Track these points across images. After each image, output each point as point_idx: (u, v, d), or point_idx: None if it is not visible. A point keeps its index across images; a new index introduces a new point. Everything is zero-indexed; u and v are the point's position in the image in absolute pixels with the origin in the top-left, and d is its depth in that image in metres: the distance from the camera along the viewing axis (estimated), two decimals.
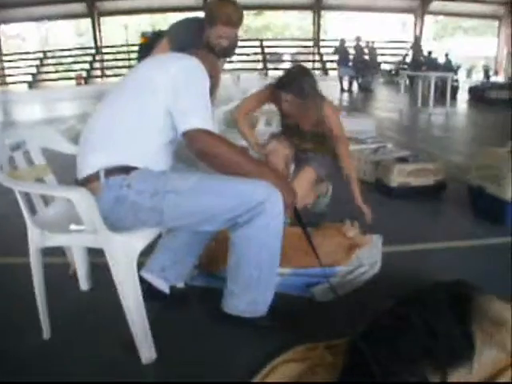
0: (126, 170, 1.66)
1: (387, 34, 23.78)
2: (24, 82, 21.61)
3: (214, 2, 2.55)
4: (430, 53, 16.34)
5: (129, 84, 1.79)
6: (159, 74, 1.70)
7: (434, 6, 23.02)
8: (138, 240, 1.67)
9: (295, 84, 2.53)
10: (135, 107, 1.70)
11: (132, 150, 1.69)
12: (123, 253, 1.64)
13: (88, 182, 1.68)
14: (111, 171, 1.66)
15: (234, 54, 2.88)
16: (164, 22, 27.73)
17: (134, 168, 1.67)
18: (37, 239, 1.75)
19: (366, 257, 2.42)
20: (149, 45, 2.71)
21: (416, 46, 16.55)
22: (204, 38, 2.57)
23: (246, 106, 2.87)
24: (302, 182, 2.74)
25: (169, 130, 1.70)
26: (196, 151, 1.64)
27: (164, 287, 2.02)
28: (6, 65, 23.47)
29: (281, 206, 1.68)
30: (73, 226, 1.74)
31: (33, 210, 1.83)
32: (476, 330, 1.38)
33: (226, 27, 2.48)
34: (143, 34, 2.95)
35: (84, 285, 2.23)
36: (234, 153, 1.67)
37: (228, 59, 2.99)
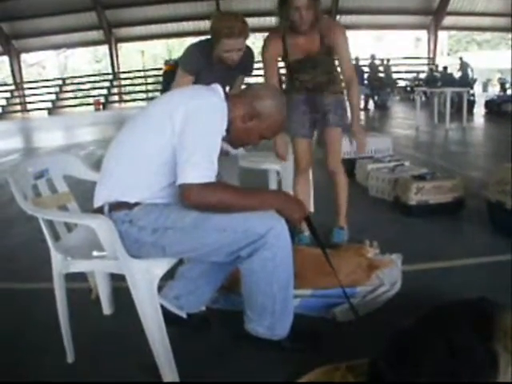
0: (129, 205, 1.68)
1: (402, 50, 23.83)
2: (44, 108, 22.05)
3: (215, 18, 2.58)
4: (445, 68, 16.31)
5: (142, 118, 1.77)
6: (172, 111, 1.65)
7: (446, 21, 23.04)
8: (158, 266, 1.69)
9: None
10: (144, 143, 1.69)
11: (137, 185, 1.70)
12: (144, 279, 1.66)
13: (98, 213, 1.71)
14: (115, 206, 1.69)
15: (252, 70, 2.92)
16: (180, 46, 28.19)
17: (137, 203, 1.68)
18: (60, 265, 1.79)
19: (386, 276, 2.41)
20: (172, 72, 2.77)
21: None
22: (215, 56, 2.62)
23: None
24: (337, 147, 2.91)
25: (175, 165, 1.63)
26: (189, 206, 1.61)
27: (180, 313, 2.01)
28: (27, 92, 24.01)
29: (286, 237, 1.67)
30: (95, 253, 1.78)
31: (56, 237, 1.87)
32: (500, 349, 1.36)
33: (230, 39, 2.49)
34: (167, 62, 3.00)
35: (107, 309, 2.26)
36: (230, 195, 1.64)
37: (247, 76, 3.02)
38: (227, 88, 2.90)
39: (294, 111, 2.84)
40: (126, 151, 1.73)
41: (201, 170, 1.57)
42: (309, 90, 2.87)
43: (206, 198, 1.58)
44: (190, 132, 1.60)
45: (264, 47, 2.80)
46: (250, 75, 2.96)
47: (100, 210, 1.72)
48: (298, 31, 2.66)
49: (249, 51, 2.72)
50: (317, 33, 2.70)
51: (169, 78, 2.79)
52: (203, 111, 1.65)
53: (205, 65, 2.64)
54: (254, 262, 1.66)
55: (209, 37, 2.62)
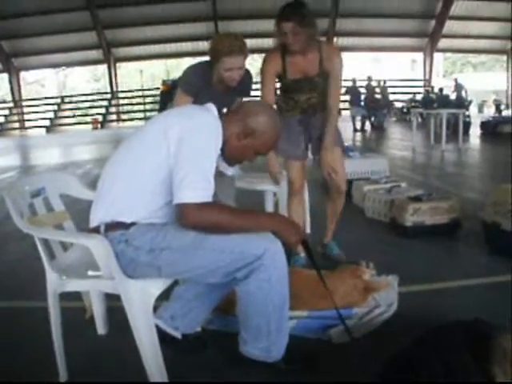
0: (126, 225, 1.68)
1: (398, 72, 24.08)
2: (42, 126, 22.13)
3: (214, 39, 2.63)
4: (441, 90, 16.47)
5: (137, 139, 1.78)
6: (167, 130, 1.65)
7: (442, 43, 23.37)
8: (154, 286, 1.69)
9: (297, 13, 2.59)
10: (139, 164, 1.70)
11: (133, 205, 1.70)
12: (139, 299, 1.66)
13: (94, 232, 1.71)
14: (111, 226, 1.69)
15: (250, 92, 2.94)
16: (177, 66, 28.42)
17: (134, 223, 1.69)
18: (55, 284, 1.78)
19: (383, 298, 2.40)
20: (169, 92, 2.80)
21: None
22: (214, 77, 2.64)
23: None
24: (342, 166, 2.95)
25: (170, 185, 1.64)
26: (186, 225, 1.61)
27: (175, 333, 2.00)
28: (26, 110, 24.12)
29: (282, 259, 1.67)
30: (90, 272, 1.77)
31: (51, 255, 1.86)
32: (497, 371, 1.35)
33: (231, 58, 2.51)
34: (164, 82, 3.05)
35: (101, 329, 2.24)
36: (226, 216, 1.64)
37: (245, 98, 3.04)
38: (225, 110, 2.93)
39: (288, 132, 2.82)
40: (122, 171, 1.74)
41: (198, 189, 1.57)
42: (303, 110, 2.89)
43: (203, 218, 1.59)
44: (186, 152, 1.61)
45: (263, 63, 2.82)
46: (247, 96, 2.98)
47: (96, 230, 1.72)
48: (291, 52, 2.70)
49: (247, 73, 2.74)
50: (316, 55, 2.74)
51: (165, 97, 2.83)
52: (198, 131, 1.65)
53: (203, 86, 2.67)
54: (250, 284, 1.66)
55: (207, 59, 2.65)
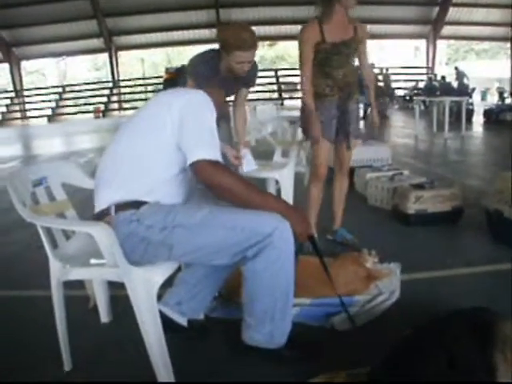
0: (136, 204, 1.70)
1: (401, 59, 23.94)
2: (44, 115, 22.07)
3: (225, 30, 2.61)
4: (443, 77, 16.37)
5: (138, 120, 1.84)
6: (166, 109, 1.74)
7: (445, 30, 23.17)
8: (158, 274, 1.69)
9: None
10: (144, 143, 1.75)
11: (141, 184, 1.73)
12: (143, 286, 1.66)
13: (101, 217, 1.72)
14: (121, 206, 1.70)
15: (255, 83, 2.94)
16: (179, 54, 28.29)
17: (144, 203, 1.71)
18: (58, 272, 1.78)
19: (385, 285, 2.40)
20: (173, 80, 2.80)
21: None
22: (222, 67, 2.64)
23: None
24: (351, 155, 3.08)
25: (177, 163, 1.74)
26: (202, 181, 1.67)
27: (181, 320, 2.02)
28: (27, 99, 24.06)
29: (291, 238, 1.67)
30: (93, 260, 1.78)
31: (54, 244, 1.86)
32: (499, 358, 1.35)
33: (243, 52, 2.54)
34: (167, 70, 3.06)
35: (104, 317, 2.25)
36: (239, 184, 1.68)
37: (250, 88, 3.07)
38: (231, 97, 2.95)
39: (323, 114, 2.87)
40: (130, 152, 1.77)
41: (212, 149, 1.67)
42: (340, 89, 2.89)
43: (218, 178, 1.65)
44: (190, 124, 1.71)
45: (302, 33, 2.80)
46: (252, 87, 3.01)
47: (103, 213, 1.72)
48: (329, 20, 2.75)
49: (254, 64, 2.76)
50: (351, 23, 2.83)
51: (169, 85, 2.82)
52: (195, 105, 1.76)
53: (212, 74, 2.68)
54: (258, 263, 1.66)
55: (213, 47, 2.65)
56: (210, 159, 1.64)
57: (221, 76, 2.69)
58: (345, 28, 2.81)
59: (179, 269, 1.97)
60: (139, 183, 1.74)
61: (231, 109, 3.20)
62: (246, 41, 2.52)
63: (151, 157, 1.74)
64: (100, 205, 1.75)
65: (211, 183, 1.66)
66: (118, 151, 1.81)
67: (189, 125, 1.70)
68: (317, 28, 2.77)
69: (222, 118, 3.01)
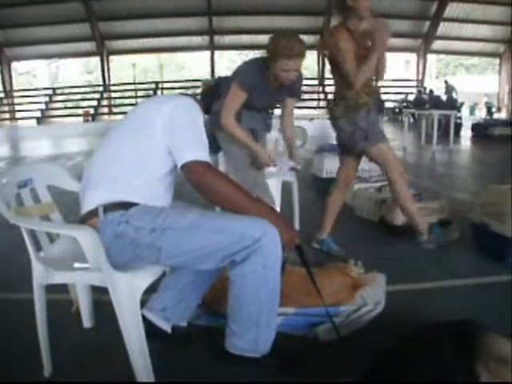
0: (125, 206, 1.69)
1: (391, 72, 24.13)
2: (33, 117, 21.94)
3: (274, 38, 2.61)
4: (431, 91, 16.54)
5: (127, 123, 1.85)
6: (155, 113, 1.75)
7: (436, 44, 23.46)
8: (142, 279, 1.68)
9: None
10: (133, 145, 1.75)
11: (130, 186, 1.73)
12: (127, 291, 1.64)
13: (88, 218, 1.71)
14: (110, 207, 1.69)
15: (300, 94, 2.99)
16: (170, 61, 28.28)
17: (133, 204, 1.70)
18: (41, 276, 1.76)
19: (370, 296, 2.40)
20: (211, 92, 2.76)
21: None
22: (269, 75, 2.66)
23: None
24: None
25: (167, 166, 1.75)
26: (192, 183, 1.66)
27: (166, 327, 2.00)
28: (17, 101, 23.91)
29: (278, 244, 1.67)
30: (77, 264, 1.76)
31: (38, 247, 1.84)
32: (482, 369, 1.35)
33: (289, 60, 2.54)
34: (206, 82, 3.03)
35: (87, 322, 2.23)
36: (230, 186, 1.69)
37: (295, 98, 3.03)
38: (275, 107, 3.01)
39: (373, 119, 2.96)
40: (118, 153, 1.77)
41: (203, 151, 1.69)
42: (374, 96, 2.96)
43: (210, 179, 1.66)
44: (179, 127, 1.73)
45: (340, 42, 2.77)
46: (298, 99, 3.02)
47: (90, 214, 1.71)
48: (355, 27, 2.77)
49: (299, 75, 2.76)
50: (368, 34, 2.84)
51: (208, 98, 2.76)
52: (184, 109, 1.78)
53: (260, 83, 2.71)
54: (246, 267, 1.66)
55: (263, 55, 2.68)
56: (200, 160, 1.65)
57: (266, 85, 2.70)
58: (363, 36, 2.84)
59: (164, 274, 1.96)
60: (128, 184, 1.73)
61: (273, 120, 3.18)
62: (292, 50, 2.52)
63: (140, 158, 1.74)
64: (87, 205, 1.73)
65: (201, 184, 1.66)
66: (107, 152, 1.80)
67: (179, 127, 1.72)
68: (349, 36, 2.78)
69: (262, 127, 3.01)
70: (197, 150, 1.68)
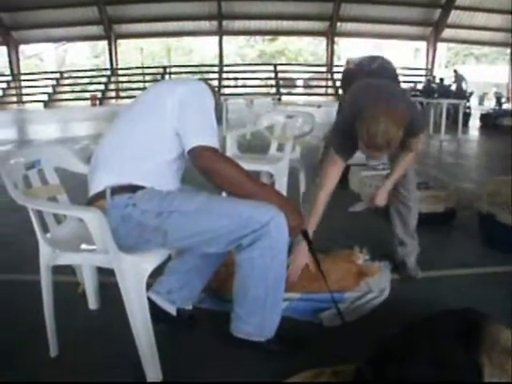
0: (133, 189, 1.69)
1: (400, 60, 23.93)
2: (40, 101, 21.90)
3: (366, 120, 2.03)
4: (441, 80, 16.38)
5: (138, 106, 1.84)
6: (166, 96, 1.74)
7: (446, 33, 23.16)
8: (148, 261, 1.68)
9: None
10: (143, 128, 1.75)
11: (138, 169, 1.73)
12: (133, 273, 1.65)
13: (95, 200, 1.71)
14: (117, 190, 1.69)
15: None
16: (178, 45, 28.11)
17: (141, 187, 1.70)
18: (48, 257, 1.77)
19: (375, 283, 2.40)
20: (353, 72, 2.63)
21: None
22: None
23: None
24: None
25: (175, 150, 1.74)
26: (199, 168, 1.66)
27: (171, 309, 2.02)
28: (24, 84, 23.86)
29: (286, 229, 1.67)
30: (84, 246, 1.77)
31: (45, 228, 1.84)
32: (485, 360, 1.35)
33: (369, 149, 2.10)
34: (349, 61, 2.68)
35: (93, 304, 2.24)
36: (237, 171, 1.68)
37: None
38: None
39: None
40: (127, 136, 1.77)
41: (212, 136, 1.67)
42: None
43: (217, 164, 1.65)
44: (189, 111, 1.71)
45: None
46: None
47: (98, 196, 1.71)
48: None
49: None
50: None
51: (348, 79, 2.63)
52: (196, 93, 1.76)
53: None
54: (253, 251, 1.66)
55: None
56: (208, 145, 1.64)
57: None
58: None
59: (169, 258, 1.97)
60: (136, 167, 1.73)
61: None
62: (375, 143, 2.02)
63: (149, 141, 1.73)
64: (95, 188, 1.74)
65: (209, 169, 1.65)
66: (117, 135, 1.80)
67: (189, 111, 1.70)
68: None
69: None
70: (205, 135, 1.67)
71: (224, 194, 2.04)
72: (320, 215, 2.38)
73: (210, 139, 1.66)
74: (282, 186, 3.23)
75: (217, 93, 1.96)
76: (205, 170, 1.65)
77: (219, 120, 1.87)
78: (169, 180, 1.79)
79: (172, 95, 1.73)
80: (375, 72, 2.58)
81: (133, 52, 27.20)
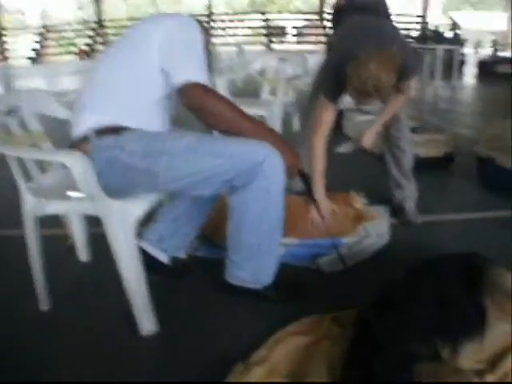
0: (118, 130, 1.58)
1: (394, 6, 23.47)
2: (27, 57, 21.41)
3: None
4: (436, 27, 16.15)
5: (123, 42, 1.71)
6: (152, 30, 1.62)
7: None
8: (137, 206, 1.60)
9: None
10: (128, 65, 1.63)
11: (124, 109, 1.62)
12: (121, 219, 1.56)
13: (79, 144, 1.61)
14: (102, 132, 1.58)
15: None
16: None
17: (127, 128, 1.59)
18: (32, 207, 1.68)
19: (373, 228, 2.34)
20: (344, 9, 2.46)
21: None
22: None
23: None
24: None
25: (163, 87, 1.62)
26: (189, 105, 1.55)
27: (163, 258, 1.96)
28: (8, 39, 23.22)
29: (281, 169, 1.58)
30: (69, 193, 1.67)
31: (28, 178, 1.75)
32: (488, 303, 1.32)
33: (359, 95, 2.01)
34: None
35: (83, 256, 2.18)
36: (229, 108, 1.57)
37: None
38: None
39: None
40: (110, 74, 1.65)
41: (201, 72, 1.57)
42: None
43: (208, 101, 1.54)
44: (177, 46, 1.59)
45: None
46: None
47: (82, 139, 1.61)
48: None
49: None
50: None
51: (338, 15, 2.49)
52: (183, 27, 1.64)
53: None
54: (246, 192, 1.58)
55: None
56: (198, 82, 1.53)
57: None
58: None
59: (160, 205, 1.89)
60: (122, 107, 1.62)
61: None
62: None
63: (135, 79, 1.62)
64: (78, 130, 1.63)
65: (199, 107, 1.54)
66: (101, 74, 1.68)
67: (177, 45, 1.59)
68: None
69: None
70: (195, 71, 1.55)
71: (216, 134, 1.93)
72: (324, 166, 2.32)
73: (200, 74, 1.55)
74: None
75: (209, 34, 1.83)
76: (195, 107, 1.54)
77: (210, 67, 1.75)
78: (157, 120, 1.68)
79: (157, 29, 1.60)
80: (367, 6, 2.43)
81: (117, 3, 26.42)
